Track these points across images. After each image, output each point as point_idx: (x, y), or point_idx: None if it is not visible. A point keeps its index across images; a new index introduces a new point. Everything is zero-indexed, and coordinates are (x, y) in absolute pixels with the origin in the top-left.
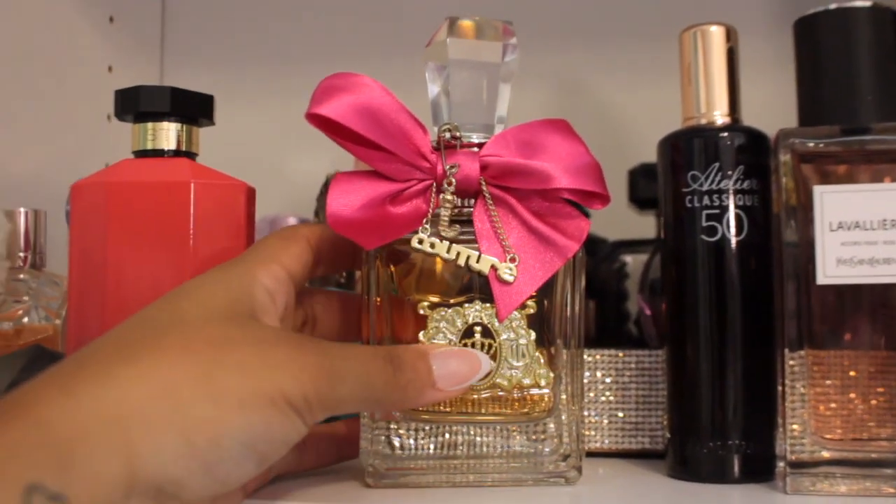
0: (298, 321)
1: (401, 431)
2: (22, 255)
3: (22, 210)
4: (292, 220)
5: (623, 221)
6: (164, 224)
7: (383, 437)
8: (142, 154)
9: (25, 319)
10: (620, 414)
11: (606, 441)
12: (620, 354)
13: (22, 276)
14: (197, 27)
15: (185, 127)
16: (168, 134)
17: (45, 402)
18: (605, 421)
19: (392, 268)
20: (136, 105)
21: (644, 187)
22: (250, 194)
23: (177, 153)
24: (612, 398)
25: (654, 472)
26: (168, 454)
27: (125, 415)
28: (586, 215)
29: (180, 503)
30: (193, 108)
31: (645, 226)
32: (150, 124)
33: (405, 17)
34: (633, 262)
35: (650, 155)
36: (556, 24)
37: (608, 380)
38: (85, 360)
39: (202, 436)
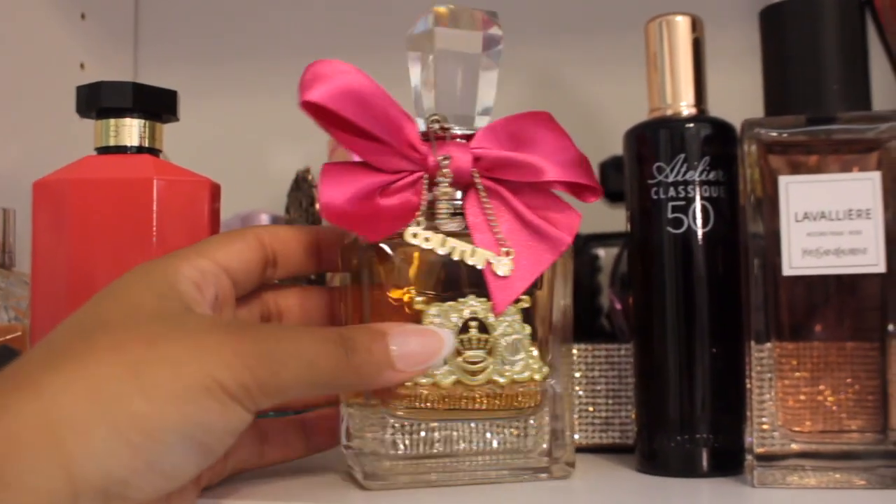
0: (255, 317)
1: (394, 430)
2: None
3: None
4: (265, 217)
5: (594, 215)
6: (126, 221)
7: (375, 437)
8: (104, 151)
9: None
10: (590, 408)
11: (576, 436)
12: (590, 348)
13: None
14: (171, 23)
15: (147, 123)
16: (130, 130)
17: None
18: (575, 416)
19: (385, 264)
20: (97, 101)
21: (615, 180)
22: (214, 191)
23: (140, 150)
24: (581, 392)
25: (623, 467)
26: (106, 455)
27: (56, 421)
28: None
29: (131, 503)
30: (157, 104)
31: (617, 219)
32: (112, 121)
33: (381, 10)
34: (606, 255)
35: (621, 148)
36: (527, 16)
37: (577, 374)
38: (12, 373)
39: (137, 432)
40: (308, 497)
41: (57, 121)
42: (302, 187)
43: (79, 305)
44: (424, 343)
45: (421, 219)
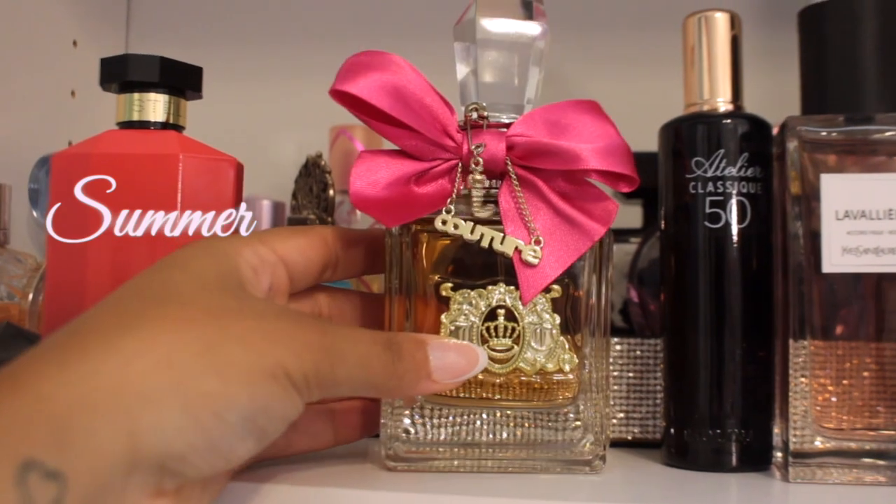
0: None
1: (423, 416)
2: None
3: None
4: (266, 203)
5: None
6: (151, 198)
7: (405, 422)
8: (127, 125)
9: None
10: (611, 403)
11: None
12: (613, 342)
13: None
14: (164, 2)
15: (172, 99)
16: (156, 105)
17: (42, 375)
18: None
19: (415, 250)
20: (123, 74)
21: None
22: (239, 170)
23: (164, 126)
24: None
25: (649, 461)
26: (171, 429)
27: (126, 388)
28: None
29: (182, 480)
30: (182, 80)
31: (629, 216)
32: (136, 95)
33: None
34: (616, 252)
35: (638, 145)
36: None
37: None
38: (82, 331)
39: (206, 410)
40: (335, 482)
41: (49, 98)
42: (313, 173)
43: (96, 284)
44: (459, 357)
45: (451, 206)
